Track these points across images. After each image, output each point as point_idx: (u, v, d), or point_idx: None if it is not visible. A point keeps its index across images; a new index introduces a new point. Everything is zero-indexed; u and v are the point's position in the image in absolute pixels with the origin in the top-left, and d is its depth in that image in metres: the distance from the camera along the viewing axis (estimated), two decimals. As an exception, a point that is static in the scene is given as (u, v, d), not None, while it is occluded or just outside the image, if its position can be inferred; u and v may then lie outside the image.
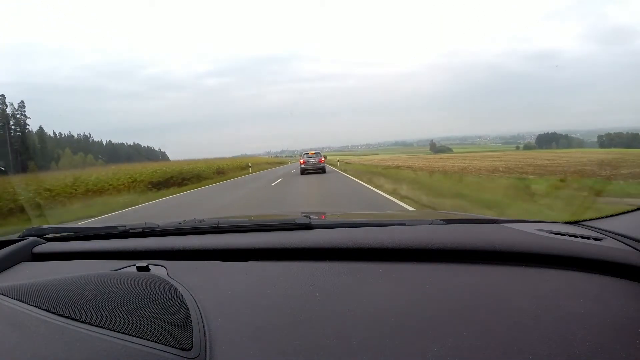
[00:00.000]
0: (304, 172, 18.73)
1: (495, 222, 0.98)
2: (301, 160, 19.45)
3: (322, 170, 18.78)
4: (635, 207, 0.88)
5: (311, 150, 20.70)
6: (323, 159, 19.47)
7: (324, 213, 1.54)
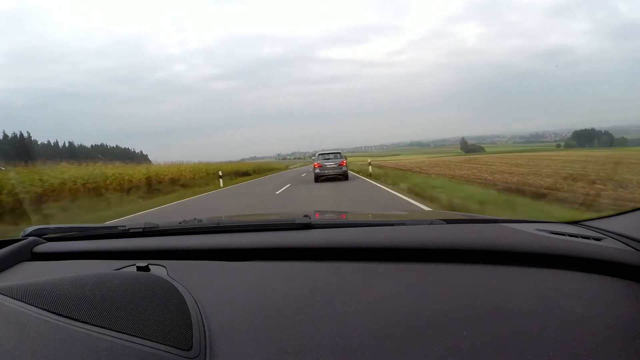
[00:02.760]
0: (319, 178, 13.60)
1: (495, 222, 0.98)
2: (316, 163, 14.10)
3: (344, 177, 13.57)
4: (635, 207, 0.88)
5: (327, 150, 14.80)
6: (344, 161, 13.91)
7: (325, 213, 1.54)
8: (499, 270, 0.72)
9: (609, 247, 0.74)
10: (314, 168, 14.10)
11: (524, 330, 0.53)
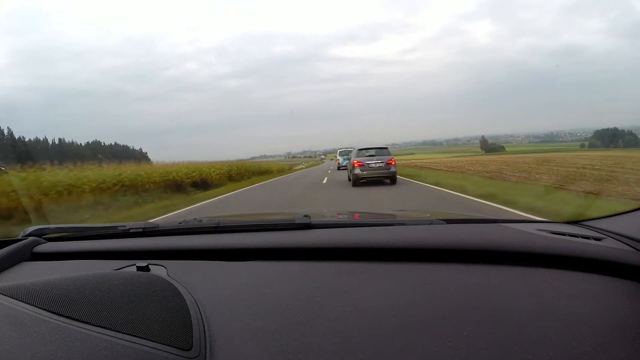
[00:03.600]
0: (358, 181, 10.63)
1: (495, 222, 0.98)
2: (355, 161, 10.76)
3: (391, 180, 10.63)
4: (635, 207, 0.88)
5: (369, 145, 11.31)
6: (393, 159, 10.69)
7: (325, 213, 1.54)
8: (499, 270, 0.72)
9: (609, 247, 0.74)
10: (353, 167, 10.76)
11: (524, 330, 0.53)
